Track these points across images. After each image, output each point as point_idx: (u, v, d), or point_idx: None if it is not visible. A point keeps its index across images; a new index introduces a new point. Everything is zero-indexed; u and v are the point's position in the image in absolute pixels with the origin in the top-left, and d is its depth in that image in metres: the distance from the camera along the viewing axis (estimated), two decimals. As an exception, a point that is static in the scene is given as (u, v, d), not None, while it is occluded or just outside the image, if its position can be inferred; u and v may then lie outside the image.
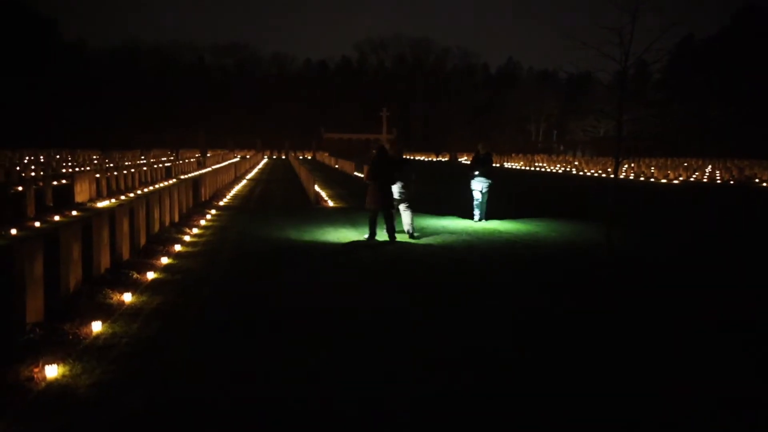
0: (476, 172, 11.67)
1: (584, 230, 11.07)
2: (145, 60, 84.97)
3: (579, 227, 11.42)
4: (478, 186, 11.76)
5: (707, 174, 33.85)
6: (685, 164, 40.31)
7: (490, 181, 11.74)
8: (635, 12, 6.58)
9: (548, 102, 79.56)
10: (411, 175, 9.89)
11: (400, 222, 10.15)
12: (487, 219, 11.92)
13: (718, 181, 29.74)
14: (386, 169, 9.36)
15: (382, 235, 9.57)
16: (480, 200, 11.87)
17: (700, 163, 42.73)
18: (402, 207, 9.84)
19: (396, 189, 9.65)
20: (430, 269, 7.55)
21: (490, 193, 11.95)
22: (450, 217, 12.77)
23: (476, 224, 11.59)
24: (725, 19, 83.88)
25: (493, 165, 12.26)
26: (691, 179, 31.19)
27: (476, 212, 11.95)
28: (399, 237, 9.63)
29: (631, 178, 32.75)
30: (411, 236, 9.76)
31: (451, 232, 10.58)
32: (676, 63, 66.48)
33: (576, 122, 73.51)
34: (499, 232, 10.71)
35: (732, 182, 28.91)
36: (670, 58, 65.42)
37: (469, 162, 12.83)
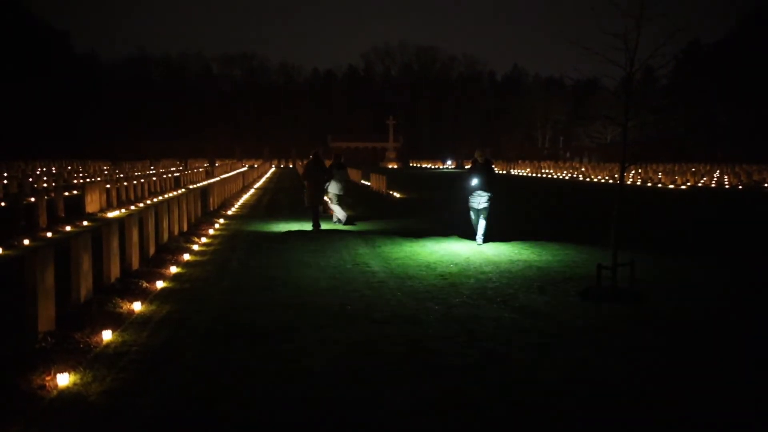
0: (473, 183, 9.87)
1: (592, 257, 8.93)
2: (155, 71, 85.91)
3: (586, 253, 9.35)
4: (477, 202, 9.91)
5: (715, 179, 33.66)
6: (693, 169, 40.09)
7: (489, 195, 9.87)
8: (640, 18, 6.60)
9: (554, 108, 79.49)
10: (347, 177, 12.55)
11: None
12: (485, 241, 10.01)
13: (727, 186, 29.56)
14: (317, 172, 11.76)
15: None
16: (478, 218, 10.02)
17: (708, 168, 42.47)
18: (336, 201, 12.53)
19: (337, 187, 12.25)
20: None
21: (491, 210, 10.04)
22: (446, 238, 10.59)
23: (476, 248, 9.61)
24: (732, 23, 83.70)
25: (496, 172, 10.46)
26: (699, 184, 31.01)
27: (480, 232, 10.00)
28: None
29: (638, 183, 32.62)
30: (342, 223, 12.63)
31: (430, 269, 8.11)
32: (682, 68, 66.30)
33: (582, 128, 73.43)
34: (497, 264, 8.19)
35: (740, 187, 28.73)
36: (676, 63, 65.34)
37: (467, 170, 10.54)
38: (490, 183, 9.90)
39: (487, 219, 10.01)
